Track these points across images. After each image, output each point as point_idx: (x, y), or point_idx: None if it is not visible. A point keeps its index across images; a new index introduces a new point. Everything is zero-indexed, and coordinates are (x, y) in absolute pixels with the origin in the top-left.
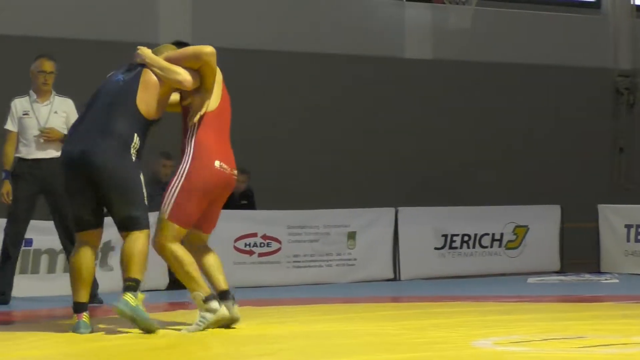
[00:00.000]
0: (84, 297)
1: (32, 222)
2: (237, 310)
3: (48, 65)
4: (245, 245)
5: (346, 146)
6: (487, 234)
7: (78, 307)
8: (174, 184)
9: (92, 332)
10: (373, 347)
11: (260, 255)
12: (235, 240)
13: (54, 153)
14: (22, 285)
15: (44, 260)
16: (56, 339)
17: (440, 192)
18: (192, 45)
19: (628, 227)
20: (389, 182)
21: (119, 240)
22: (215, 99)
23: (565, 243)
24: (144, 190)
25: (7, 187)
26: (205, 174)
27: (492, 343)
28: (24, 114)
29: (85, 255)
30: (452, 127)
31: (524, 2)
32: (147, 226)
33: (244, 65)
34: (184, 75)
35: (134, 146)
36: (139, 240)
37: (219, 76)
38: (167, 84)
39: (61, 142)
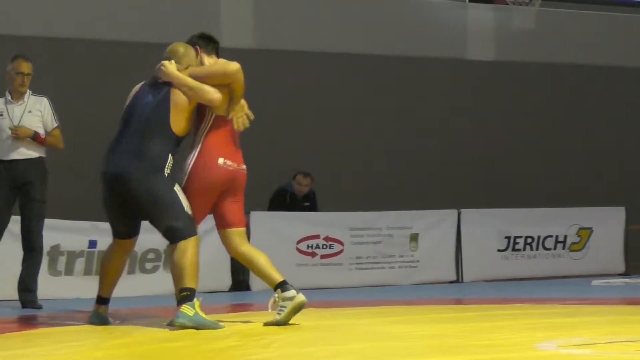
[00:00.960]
0: (105, 292)
1: (96, 224)
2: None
3: (26, 67)
4: (308, 247)
5: (409, 147)
6: (550, 236)
7: (99, 300)
8: (182, 172)
9: (106, 324)
10: (435, 349)
11: (323, 257)
12: (298, 242)
13: (27, 153)
14: (88, 287)
15: None
16: (115, 340)
17: (503, 194)
18: (218, 41)
19: None
20: (452, 183)
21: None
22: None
23: (629, 245)
24: (182, 201)
25: None
26: (208, 171)
27: (556, 346)
28: None
29: (117, 257)
30: (514, 128)
31: (588, 3)
32: (190, 234)
33: (302, 66)
34: (213, 95)
35: (167, 167)
36: (187, 250)
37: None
38: (195, 100)
39: (32, 139)
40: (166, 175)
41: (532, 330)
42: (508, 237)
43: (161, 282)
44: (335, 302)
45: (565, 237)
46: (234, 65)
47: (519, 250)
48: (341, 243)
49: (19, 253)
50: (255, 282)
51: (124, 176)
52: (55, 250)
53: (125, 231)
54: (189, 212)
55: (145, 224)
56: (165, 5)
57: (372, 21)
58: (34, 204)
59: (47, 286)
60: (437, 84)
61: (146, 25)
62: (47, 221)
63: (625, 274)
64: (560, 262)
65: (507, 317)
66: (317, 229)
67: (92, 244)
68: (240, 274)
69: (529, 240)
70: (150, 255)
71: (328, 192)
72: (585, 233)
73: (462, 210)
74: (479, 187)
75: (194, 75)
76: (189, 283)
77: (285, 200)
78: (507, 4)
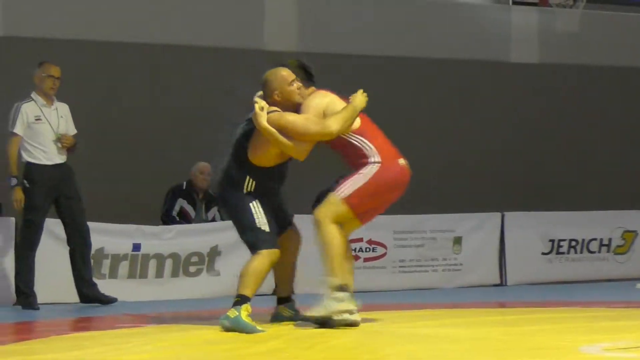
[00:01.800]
0: (283, 291)
1: (140, 227)
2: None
3: (56, 71)
4: (352, 250)
5: (452, 150)
6: (594, 239)
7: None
8: (359, 175)
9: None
10: (479, 352)
11: (366, 260)
12: None
13: (64, 156)
14: (131, 290)
15: (152, 264)
16: (159, 343)
17: (547, 197)
18: (313, 69)
19: None
20: (496, 186)
21: (226, 246)
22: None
23: None
24: (256, 216)
25: (21, 194)
26: (394, 171)
27: (601, 349)
28: (36, 119)
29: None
30: (557, 130)
31: (631, 5)
32: (262, 247)
33: (347, 70)
34: (296, 149)
35: (246, 187)
36: (254, 260)
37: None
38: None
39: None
40: (244, 192)
41: (576, 333)
42: (552, 240)
43: (205, 285)
44: (379, 305)
45: (610, 240)
46: (326, 129)
47: (563, 253)
48: (384, 246)
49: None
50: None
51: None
52: (100, 254)
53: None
54: (262, 227)
55: (188, 230)
56: (209, 9)
57: (415, 24)
58: (76, 202)
59: None
60: (481, 86)
61: (188, 29)
62: (92, 224)
63: None
64: (605, 265)
65: (551, 320)
66: (360, 232)
67: (136, 247)
68: None
69: (573, 243)
70: (194, 259)
71: None
72: (630, 236)
73: (506, 213)
74: (523, 190)
75: (283, 122)
76: (243, 290)
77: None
78: (550, 6)
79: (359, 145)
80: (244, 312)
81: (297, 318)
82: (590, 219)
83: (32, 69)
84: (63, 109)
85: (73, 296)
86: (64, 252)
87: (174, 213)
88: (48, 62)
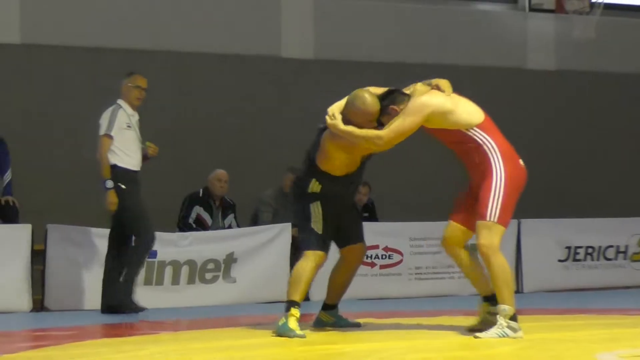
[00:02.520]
0: (330, 299)
1: (157, 234)
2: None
3: (143, 82)
4: (367, 257)
5: None
6: (611, 246)
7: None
8: (495, 188)
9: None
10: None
11: (382, 267)
12: None
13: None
14: (147, 296)
15: (168, 271)
16: (178, 350)
17: (563, 204)
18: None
19: None
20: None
21: (242, 253)
22: (476, 111)
23: None
24: (313, 216)
25: (116, 197)
26: (518, 173)
27: (617, 356)
28: (127, 126)
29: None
30: (574, 137)
31: None
32: (307, 248)
33: (365, 77)
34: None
35: (311, 188)
36: (299, 262)
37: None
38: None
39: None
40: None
41: (592, 341)
42: (568, 247)
43: (221, 292)
44: (396, 312)
45: (627, 247)
46: (381, 140)
47: (579, 260)
48: (400, 253)
49: None
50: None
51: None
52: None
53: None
54: (314, 228)
55: (205, 237)
56: (228, 18)
57: (432, 31)
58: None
59: None
60: (498, 93)
61: (209, 37)
62: (108, 231)
63: None
64: (622, 272)
65: (568, 327)
66: (376, 239)
67: (153, 254)
68: None
69: (590, 250)
70: (210, 266)
71: (387, 202)
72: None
73: (522, 220)
74: (539, 197)
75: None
76: (289, 295)
77: None
78: (567, 13)
79: (480, 141)
80: (291, 319)
81: (341, 324)
82: (607, 225)
83: (47, 75)
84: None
85: (90, 302)
86: (79, 258)
87: (191, 220)
88: (136, 73)
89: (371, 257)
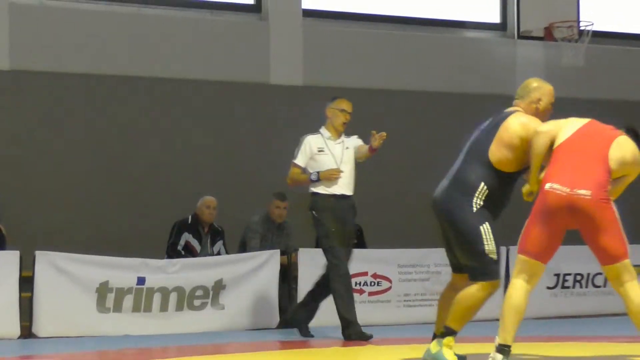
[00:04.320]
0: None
1: (145, 261)
2: None
3: (348, 106)
4: (356, 284)
5: None
6: (600, 274)
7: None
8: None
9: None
10: None
11: (371, 294)
12: None
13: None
14: (135, 324)
15: (157, 298)
16: None
17: None
18: None
19: None
20: (501, 219)
21: (231, 280)
22: (568, 132)
23: None
24: (486, 241)
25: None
26: (540, 198)
27: None
28: (318, 151)
29: (446, 293)
30: None
31: (636, 39)
32: (484, 278)
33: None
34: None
35: (478, 195)
36: (468, 290)
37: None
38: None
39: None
40: (476, 205)
41: None
42: (557, 275)
43: (209, 319)
44: (385, 340)
45: None
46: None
47: (568, 287)
48: (389, 280)
49: None
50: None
51: (437, 200)
52: (104, 287)
53: (452, 262)
54: (491, 255)
55: (193, 263)
56: (216, 44)
57: (420, 58)
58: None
59: (96, 323)
60: (481, 120)
61: (196, 63)
62: (96, 258)
63: None
64: (610, 299)
65: (557, 355)
66: (365, 265)
67: (141, 280)
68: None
69: (579, 277)
70: (199, 292)
71: (375, 229)
72: (636, 270)
73: (511, 247)
74: None
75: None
76: (450, 322)
77: None
78: (556, 40)
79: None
80: (445, 348)
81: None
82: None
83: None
84: (350, 141)
85: (78, 329)
86: (67, 285)
87: (180, 247)
88: (342, 97)
89: (360, 284)
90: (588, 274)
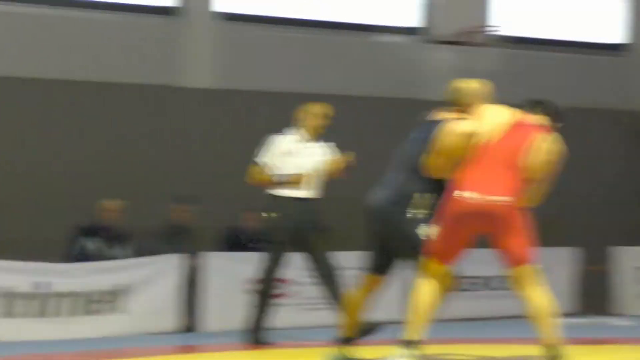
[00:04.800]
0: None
1: (45, 265)
2: None
3: (322, 110)
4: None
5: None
6: (497, 276)
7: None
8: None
9: None
10: None
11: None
12: (251, 284)
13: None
14: (32, 329)
15: (56, 303)
16: None
17: None
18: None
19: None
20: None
21: (133, 284)
22: (487, 134)
23: (578, 286)
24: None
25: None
26: (450, 205)
27: None
28: (285, 152)
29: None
30: None
31: (546, 44)
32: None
33: (266, 106)
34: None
35: (413, 207)
36: (418, 290)
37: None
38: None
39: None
40: (411, 214)
41: None
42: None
43: (110, 324)
44: (285, 343)
45: None
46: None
47: (466, 290)
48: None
49: None
50: (207, 324)
51: (378, 208)
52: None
53: (373, 265)
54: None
55: (94, 268)
56: (124, 45)
57: (334, 61)
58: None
59: None
60: (402, 124)
61: (102, 65)
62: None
63: (574, 314)
64: (508, 302)
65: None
66: None
67: (40, 285)
68: (192, 316)
69: (476, 280)
70: (100, 297)
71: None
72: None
73: None
74: None
75: None
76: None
77: (236, 240)
78: (469, 45)
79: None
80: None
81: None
82: (492, 256)
83: None
84: (323, 149)
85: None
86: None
87: (81, 251)
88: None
89: None
90: (485, 277)
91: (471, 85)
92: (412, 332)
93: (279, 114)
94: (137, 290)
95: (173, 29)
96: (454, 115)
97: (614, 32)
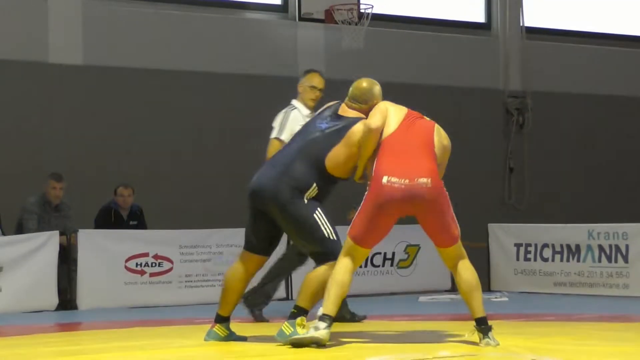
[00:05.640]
0: (223, 310)
1: None
2: (486, 342)
3: (320, 81)
4: (137, 265)
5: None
6: (379, 253)
7: (216, 318)
8: (361, 204)
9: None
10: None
11: (152, 275)
12: (127, 260)
13: None
14: None
15: None
16: None
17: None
18: None
19: (517, 245)
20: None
21: (8, 262)
22: (393, 125)
23: None
24: (324, 226)
25: None
26: (374, 191)
27: None
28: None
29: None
30: None
31: (414, 23)
32: (329, 259)
33: (134, 84)
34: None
35: (309, 194)
36: (317, 271)
37: (395, 108)
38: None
39: None
40: (306, 199)
41: (361, 346)
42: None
43: None
44: (166, 321)
45: (394, 254)
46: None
47: (377, 266)
48: (170, 261)
49: None
50: (81, 301)
51: (263, 188)
52: None
53: (252, 243)
54: (331, 236)
55: None
56: None
57: (203, 38)
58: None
59: None
60: (266, 101)
61: None
62: None
63: (452, 290)
64: (389, 278)
65: (337, 334)
66: (146, 246)
67: None
68: (68, 293)
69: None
70: None
71: (155, 209)
72: (413, 250)
73: None
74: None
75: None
76: (301, 302)
77: (110, 218)
78: (337, 23)
79: (371, 162)
80: (299, 327)
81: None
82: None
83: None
84: None
85: None
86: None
87: None
88: (316, 71)
89: (141, 265)
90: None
91: (375, 85)
92: (330, 307)
93: (145, 92)
94: (14, 268)
95: (39, 4)
96: (360, 113)
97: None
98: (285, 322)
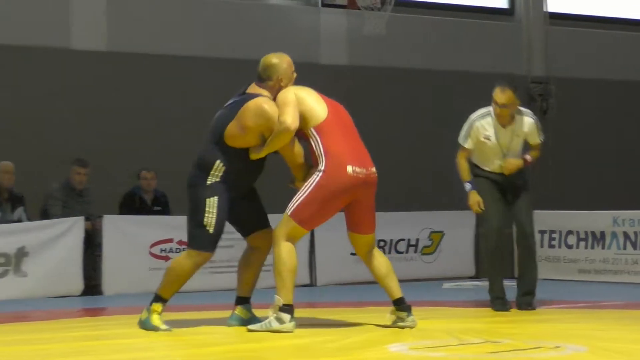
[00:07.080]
0: (244, 292)
1: None
2: (411, 320)
3: (500, 97)
4: (161, 250)
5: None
6: (403, 239)
7: (236, 300)
8: (306, 186)
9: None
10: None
11: None
12: (151, 246)
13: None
14: None
15: None
16: None
17: None
18: None
19: (542, 232)
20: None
21: (33, 247)
22: (321, 109)
23: (480, 249)
24: (207, 213)
25: (476, 197)
26: (337, 179)
27: (408, 348)
28: (484, 138)
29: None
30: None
31: (437, 9)
32: (193, 246)
33: (157, 70)
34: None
35: (214, 173)
36: (180, 259)
37: (306, 92)
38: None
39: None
40: (211, 180)
41: (384, 332)
42: None
43: (11, 287)
44: (190, 306)
45: (417, 240)
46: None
47: None
48: None
49: None
50: (107, 287)
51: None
52: None
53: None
54: (208, 227)
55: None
56: (13, 8)
57: (226, 26)
58: None
59: None
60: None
61: None
62: None
63: (476, 277)
64: (413, 265)
65: (361, 319)
66: (170, 232)
67: None
68: (93, 279)
69: (382, 243)
70: (0, 260)
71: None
72: (437, 237)
73: None
74: None
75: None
76: (160, 289)
77: (134, 204)
78: (359, 8)
79: (314, 145)
80: (154, 315)
81: (252, 322)
82: (398, 219)
83: None
84: (522, 126)
85: None
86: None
87: None
88: (502, 86)
89: (165, 250)
90: (391, 240)
91: (284, 59)
92: (289, 296)
93: (167, 78)
94: (39, 253)
95: None
96: (265, 91)
97: None
98: (144, 309)
